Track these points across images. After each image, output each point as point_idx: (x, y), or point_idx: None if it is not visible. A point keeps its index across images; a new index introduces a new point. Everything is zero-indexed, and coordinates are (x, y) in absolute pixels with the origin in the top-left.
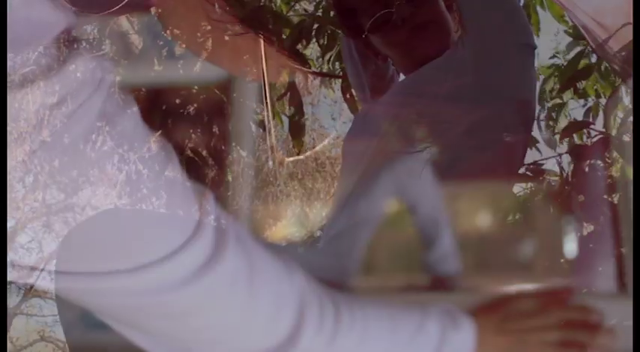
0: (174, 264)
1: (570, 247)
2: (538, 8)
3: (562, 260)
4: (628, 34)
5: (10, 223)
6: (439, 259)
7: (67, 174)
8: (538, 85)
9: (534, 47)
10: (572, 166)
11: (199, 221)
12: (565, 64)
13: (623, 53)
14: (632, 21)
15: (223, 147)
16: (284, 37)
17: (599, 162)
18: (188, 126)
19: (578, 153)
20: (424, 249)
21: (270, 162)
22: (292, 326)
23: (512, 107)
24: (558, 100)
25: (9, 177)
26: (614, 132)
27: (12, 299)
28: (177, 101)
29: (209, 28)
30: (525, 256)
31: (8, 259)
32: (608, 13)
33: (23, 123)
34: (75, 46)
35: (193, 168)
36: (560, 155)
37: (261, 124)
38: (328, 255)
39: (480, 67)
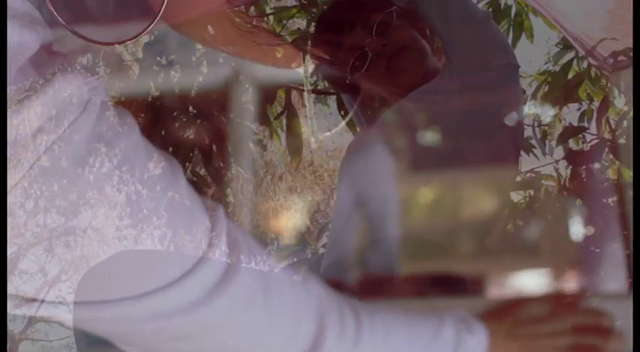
0: (187, 286)
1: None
2: (530, 15)
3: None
4: (613, 44)
5: (11, 249)
6: (380, 254)
7: (66, 197)
8: (531, 90)
9: (517, 66)
10: (569, 171)
11: (210, 239)
12: (557, 70)
13: (611, 60)
14: (611, 37)
15: (222, 165)
16: (278, 55)
17: (596, 165)
18: (188, 148)
19: (574, 159)
20: (369, 242)
21: (269, 177)
22: (314, 335)
23: (500, 126)
24: (552, 107)
25: (9, 201)
26: (608, 136)
27: (17, 325)
28: (177, 125)
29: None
30: (530, 241)
31: (12, 285)
32: (592, 29)
33: (20, 148)
34: (57, 65)
35: (195, 190)
36: (557, 161)
37: (260, 144)
38: (328, 259)
39: (466, 91)
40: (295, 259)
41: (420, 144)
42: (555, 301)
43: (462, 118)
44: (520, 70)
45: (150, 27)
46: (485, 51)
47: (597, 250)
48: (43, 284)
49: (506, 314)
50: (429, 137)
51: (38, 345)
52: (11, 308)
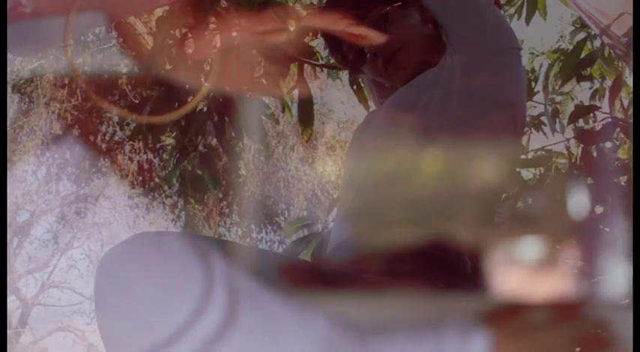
0: (189, 337)
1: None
2: None
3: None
4: (628, 21)
5: (24, 216)
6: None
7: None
8: (544, 69)
9: (519, 49)
10: (580, 150)
11: (207, 289)
12: (570, 48)
13: (626, 39)
14: (629, 11)
15: (233, 136)
16: (291, 29)
17: (607, 144)
18: (201, 121)
19: (585, 138)
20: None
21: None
22: None
23: (501, 109)
24: (563, 85)
25: None
26: (619, 115)
27: (30, 290)
28: (189, 99)
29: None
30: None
31: (24, 251)
32: (607, 3)
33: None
34: None
35: (207, 161)
36: (567, 140)
37: (272, 117)
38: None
39: (468, 75)
40: (306, 233)
41: (420, 126)
42: (557, 309)
43: (462, 100)
44: (532, 47)
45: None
46: (487, 36)
47: (606, 229)
48: (55, 250)
49: (510, 319)
50: (432, 119)
51: (50, 310)
52: (24, 274)
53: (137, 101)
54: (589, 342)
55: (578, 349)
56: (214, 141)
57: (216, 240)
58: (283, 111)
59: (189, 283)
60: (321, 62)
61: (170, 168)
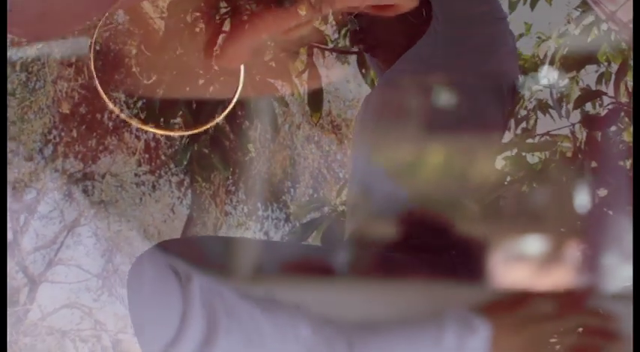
0: None
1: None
2: None
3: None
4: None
5: (31, 194)
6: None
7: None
8: (550, 53)
9: (504, 18)
10: (584, 134)
11: (183, 316)
12: (577, 33)
13: (631, 24)
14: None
15: (241, 115)
16: (302, 13)
17: (612, 129)
18: (213, 104)
19: (591, 123)
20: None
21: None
22: None
23: (487, 79)
24: (569, 70)
25: None
26: (625, 99)
27: (37, 267)
28: (201, 82)
29: None
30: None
31: (32, 228)
32: None
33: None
34: None
35: (217, 143)
36: (573, 124)
37: (282, 100)
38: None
39: (451, 46)
40: (314, 216)
41: (405, 106)
42: (562, 299)
43: (447, 71)
44: (540, 32)
45: None
46: (472, 6)
47: (610, 212)
48: (62, 227)
49: (513, 309)
50: (417, 99)
51: (57, 287)
52: (32, 251)
53: (148, 82)
54: (592, 333)
55: (578, 338)
56: (222, 122)
57: (204, 243)
58: (292, 94)
59: (164, 312)
60: (330, 46)
61: (181, 150)
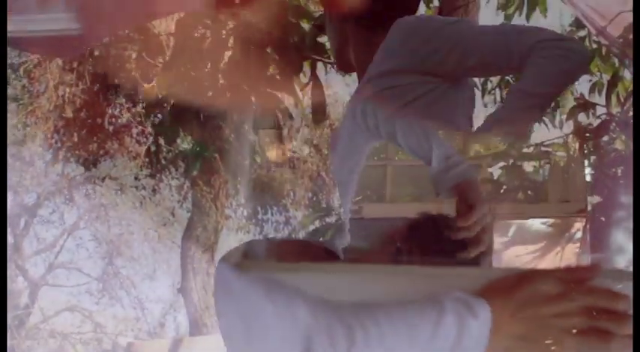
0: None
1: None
2: None
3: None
4: (624, 22)
5: (31, 197)
6: (447, 166)
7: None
8: None
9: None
10: (577, 144)
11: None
12: None
13: (621, 40)
14: (627, 9)
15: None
16: (306, 29)
17: (604, 138)
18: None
19: (584, 134)
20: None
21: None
22: None
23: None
24: None
25: None
26: (616, 110)
27: (38, 270)
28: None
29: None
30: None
31: (32, 232)
32: (605, 2)
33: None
34: None
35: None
36: (567, 135)
37: (286, 112)
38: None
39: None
40: (321, 224)
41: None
42: (566, 278)
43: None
44: None
45: None
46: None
47: (603, 218)
48: (63, 231)
49: (513, 291)
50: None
51: (58, 290)
52: (32, 255)
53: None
54: (597, 314)
55: (584, 320)
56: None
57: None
58: (296, 106)
59: None
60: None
61: (190, 160)
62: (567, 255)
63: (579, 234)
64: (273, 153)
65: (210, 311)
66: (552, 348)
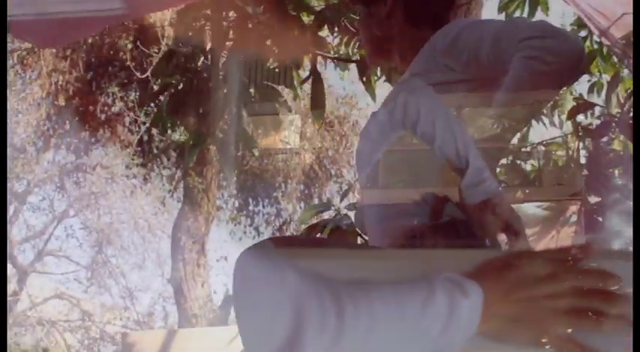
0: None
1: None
2: None
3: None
4: (627, 23)
5: (21, 184)
6: (478, 181)
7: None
8: None
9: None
10: (576, 144)
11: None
12: None
13: (624, 41)
14: (630, 11)
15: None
16: (308, 23)
17: (603, 139)
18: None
19: (583, 134)
20: (458, 176)
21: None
22: (289, 331)
23: None
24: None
25: None
26: (616, 110)
27: (26, 257)
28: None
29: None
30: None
31: (22, 219)
32: (608, 4)
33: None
34: None
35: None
36: (566, 135)
37: (285, 104)
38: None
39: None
40: (320, 219)
41: None
42: (557, 259)
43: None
44: None
45: None
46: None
47: (600, 219)
48: (52, 218)
49: (505, 272)
50: None
51: (46, 278)
52: (21, 241)
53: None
54: (589, 295)
55: (576, 300)
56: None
57: None
58: (295, 100)
59: None
60: (333, 55)
61: (188, 151)
62: (563, 238)
63: (574, 218)
64: (267, 143)
65: (200, 301)
66: (544, 329)
